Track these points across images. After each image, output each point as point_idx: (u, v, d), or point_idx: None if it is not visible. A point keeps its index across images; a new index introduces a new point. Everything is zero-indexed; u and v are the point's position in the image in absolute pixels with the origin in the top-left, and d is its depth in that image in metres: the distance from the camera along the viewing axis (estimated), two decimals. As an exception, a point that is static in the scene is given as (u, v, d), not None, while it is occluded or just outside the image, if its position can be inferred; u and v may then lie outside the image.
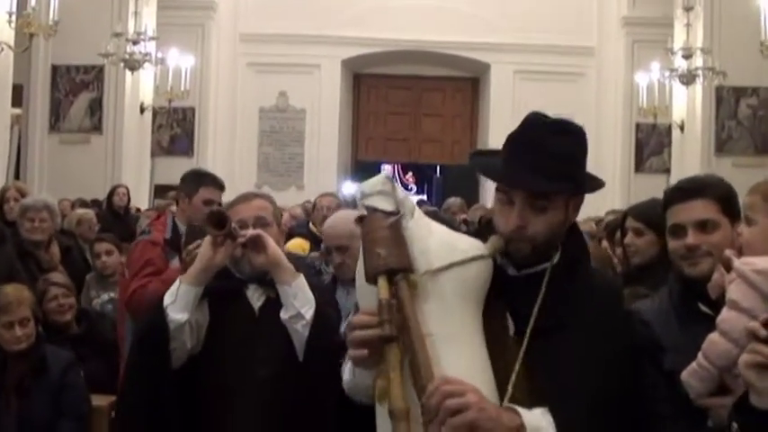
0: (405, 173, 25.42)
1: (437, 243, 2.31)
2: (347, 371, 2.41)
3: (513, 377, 2.23)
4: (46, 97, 14.19)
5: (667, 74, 13.55)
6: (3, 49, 10.37)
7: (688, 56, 12.77)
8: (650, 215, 4.26)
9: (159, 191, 15.16)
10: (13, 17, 10.18)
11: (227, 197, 9.13)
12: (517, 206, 2.31)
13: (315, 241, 6.84)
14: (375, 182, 2.39)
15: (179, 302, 3.09)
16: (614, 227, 5.53)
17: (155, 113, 16.07)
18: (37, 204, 6.60)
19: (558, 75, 18.13)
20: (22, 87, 13.99)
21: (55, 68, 14.22)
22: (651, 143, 17.08)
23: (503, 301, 2.34)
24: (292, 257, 3.61)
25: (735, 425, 2.10)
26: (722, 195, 2.72)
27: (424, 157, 20.63)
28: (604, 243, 6.13)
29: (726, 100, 13.19)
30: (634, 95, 16.05)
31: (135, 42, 13.76)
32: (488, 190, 17.17)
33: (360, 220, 2.39)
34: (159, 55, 14.59)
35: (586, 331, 2.33)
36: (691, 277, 2.68)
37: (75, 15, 12.94)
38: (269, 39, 17.98)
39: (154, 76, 15.24)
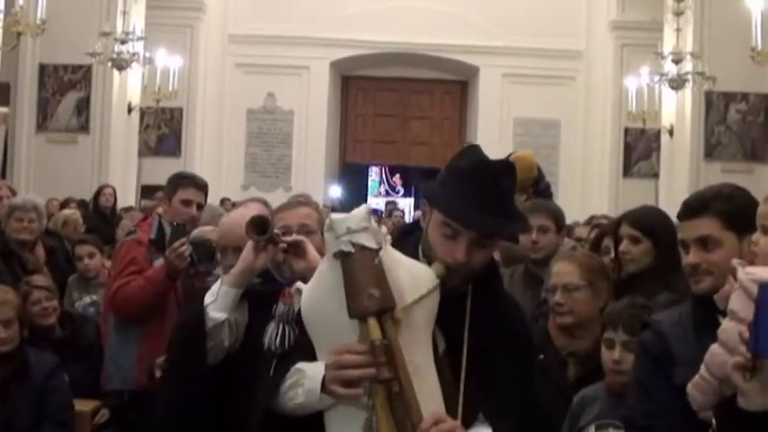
0: (392, 175, 25.41)
1: (405, 276, 2.42)
2: (302, 392, 2.42)
3: (462, 398, 2.41)
4: (33, 96, 14.11)
5: (657, 78, 13.55)
6: (-10, 48, 10.32)
7: (678, 60, 12.78)
8: (647, 223, 4.23)
9: (146, 191, 15.11)
10: (1, 16, 10.11)
11: (214, 198, 9.11)
12: (465, 243, 2.44)
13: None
14: (359, 217, 2.43)
15: (219, 302, 3.19)
16: (600, 235, 5.49)
17: (142, 113, 16.00)
18: (26, 204, 6.52)
19: (547, 78, 18.14)
20: (10, 86, 13.95)
21: (42, 67, 14.14)
22: (639, 148, 17.10)
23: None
24: None
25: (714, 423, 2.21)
26: (727, 210, 2.68)
27: (413, 160, 20.60)
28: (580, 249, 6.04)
29: (715, 105, 13.20)
30: (623, 100, 16.07)
31: (123, 42, 13.69)
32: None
33: (343, 256, 2.41)
34: (147, 55, 14.51)
35: (509, 349, 2.55)
36: (696, 294, 2.69)
37: (63, 14, 12.87)
38: (257, 40, 17.95)
39: (142, 76, 15.15)
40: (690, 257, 2.71)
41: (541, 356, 3.66)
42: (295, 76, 18.49)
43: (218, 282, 3.28)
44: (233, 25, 18.21)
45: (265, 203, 4.40)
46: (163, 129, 17.31)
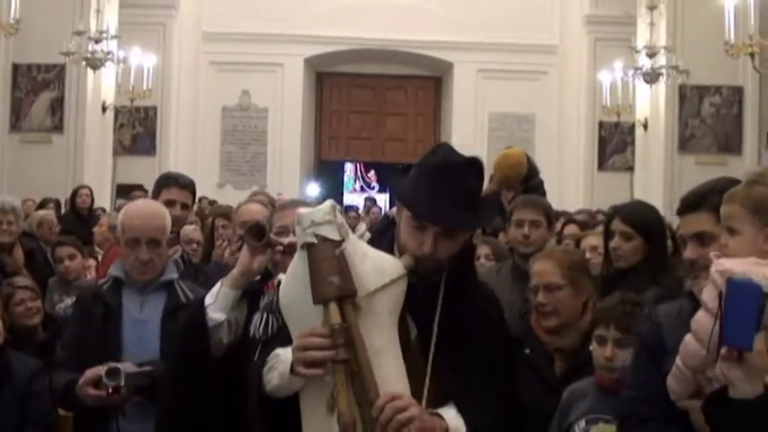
0: (367, 171, 25.39)
1: (370, 266, 2.60)
2: (276, 375, 2.60)
3: (428, 381, 2.58)
4: (6, 96, 14.01)
5: (631, 72, 13.62)
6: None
7: (652, 54, 12.86)
8: (639, 219, 4.22)
9: (121, 190, 15.02)
10: (-27, 15, 10.05)
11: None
12: (432, 235, 2.60)
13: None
14: (324, 211, 2.61)
15: (218, 303, 3.34)
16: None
17: (117, 112, 15.91)
18: (4, 206, 6.44)
19: (521, 73, 18.21)
20: (-18, 86, 13.83)
21: (16, 67, 14.04)
22: (614, 141, 17.20)
23: (404, 308, 2.63)
24: None
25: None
26: (718, 205, 2.68)
27: (388, 156, 20.62)
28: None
29: (689, 98, 13.29)
30: (597, 94, 16.13)
31: (97, 41, 13.64)
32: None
33: (308, 247, 2.58)
34: (121, 54, 14.48)
35: (482, 336, 2.71)
36: (693, 292, 2.70)
37: (37, 13, 12.80)
38: (232, 37, 17.92)
39: (116, 74, 15.11)
40: (687, 253, 2.76)
41: (528, 351, 3.68)
42: (269, 73, 18.47)
43: (219, 283, 3.40)
44: (207, 23, 18.15)
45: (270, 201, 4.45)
46: (137, 128, 17.24)
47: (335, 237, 2.58)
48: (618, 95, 14.78)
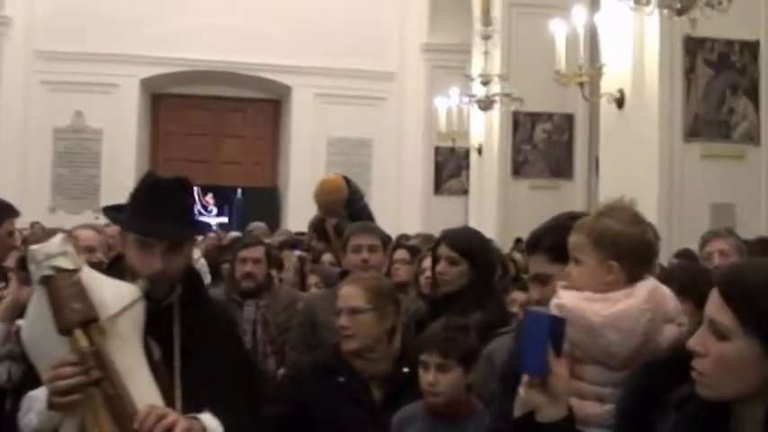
0: (205, 195, 25.06)
1: (109, 291, 2.68)
2: (34, 415, 2.59)
3: (179, 392, 2.70)
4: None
5: (466, 99, 13.92)
6: None
7: (486, 82, 13.16)
8: (465, 245, 4.28)
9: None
10: None
11: (20, 222, 8.71)
12: (159, 253, 2.76)
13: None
14: (56, 243, 2.67)
15: None
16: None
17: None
18: None
19: (360, 99, 18.39)
20: None
21: None
22: (450, 166, 17.59)
23: (144, 330, 2.74)
24: None
25: None
26: (552, 245, 2.83)
27: (225, 179, 20.44)
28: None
29: (522, 125, 13.65)
30: (433, 120, 16.39)
31: None
32: (291, 211, 17.22)
33: (45, 280, 2.62)
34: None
35: (219, 348, 2.88)
36: None
37: None
38: (65, 56, 17.43)
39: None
40: (531, 293, 2.92)
41: (342, 379, 3.69)
42: (104, 93, 18.04)
43: None
44: (39, 41, 17.57)
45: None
46: (-38, 149, 16.58)
47: (71, 266, 2.64)
48: (453, 121, 15.07)
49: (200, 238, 8.62)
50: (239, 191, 22.31)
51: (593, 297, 2.50)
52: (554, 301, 2.52)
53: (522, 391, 2.31)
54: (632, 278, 2.55)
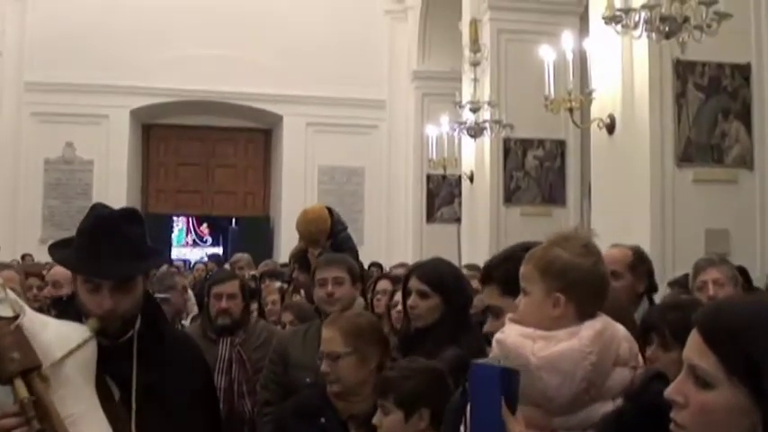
0: (199, 225, 25.05)
1: (53, 335, 2.61)
2: None
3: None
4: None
5: (456, 127, 13.84)
6: None
7: (476, 109, 13.07)
8: (436, 277, 4.08)
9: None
10: None
11: (11, 254, 8.69)
12: (107, 291, 2.71)
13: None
14: None
15: None
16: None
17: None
18: None
19: (351, 127, 18.35)
20: None
21: None
22: (442, 194, 17.50)
23: (100, 370, 2.69)
24: None
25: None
26: (501, 277, 2.75)
27: (217, 209, 20.43)
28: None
29: (513, 151, 13.56)
30: (424, 148, 16.34)
31: None
32: (283, 240, 17.09)
33: None
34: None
35: (182, 381, 2.85)
36: None
37: None
38: (55, 88, 17.35)
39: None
40: (486, 326, 2.81)
41: (323, 420, 3.61)
42: (94, 125, 17.99)
43: None
44: (29, 73, 17.51)
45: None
46: (-48, 181, 16.49)
47: (9, 313, 2.57)
48: (444, 149, 15.00)
49: (163, 268, 8.49)
50: (233, 220, 22.31)
51: (535, 335, 2.35)
52: (496, 336, 2.39)
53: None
54: (582, 314, 2.41)
